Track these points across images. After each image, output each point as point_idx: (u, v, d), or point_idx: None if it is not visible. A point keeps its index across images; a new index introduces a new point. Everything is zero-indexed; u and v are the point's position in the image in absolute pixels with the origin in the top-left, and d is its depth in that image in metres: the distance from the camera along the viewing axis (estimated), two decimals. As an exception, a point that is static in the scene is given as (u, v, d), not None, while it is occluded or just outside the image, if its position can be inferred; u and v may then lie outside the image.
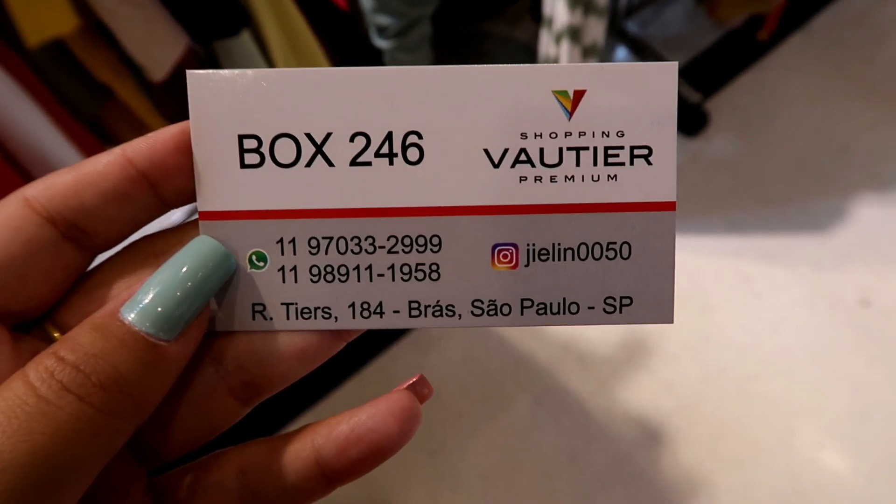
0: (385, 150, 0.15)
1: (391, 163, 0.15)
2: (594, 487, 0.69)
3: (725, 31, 0.92)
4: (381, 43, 0.84)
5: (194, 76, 0.15)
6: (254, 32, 0.53)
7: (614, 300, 0.16)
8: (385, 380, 0.72)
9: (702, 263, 0.76)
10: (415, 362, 0.76)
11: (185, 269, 0.14)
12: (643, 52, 0.94)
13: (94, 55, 0.49)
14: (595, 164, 0.15)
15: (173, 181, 0.15)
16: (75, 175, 0.14)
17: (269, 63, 0.56)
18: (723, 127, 0.84)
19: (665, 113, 0.15)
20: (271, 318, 0.15)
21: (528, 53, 1.02)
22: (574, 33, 0.67)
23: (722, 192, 0.81)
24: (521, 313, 0.16)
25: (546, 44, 0.70)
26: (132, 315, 0.13)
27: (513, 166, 0.15)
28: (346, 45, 0.99)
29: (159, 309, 0.13)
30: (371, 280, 0.15)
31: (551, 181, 0.15)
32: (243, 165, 0.15)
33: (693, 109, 0.84)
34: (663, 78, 0.15)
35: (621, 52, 0.96)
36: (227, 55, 0.51)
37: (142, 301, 0.13)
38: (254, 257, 0.15)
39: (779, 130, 0.86)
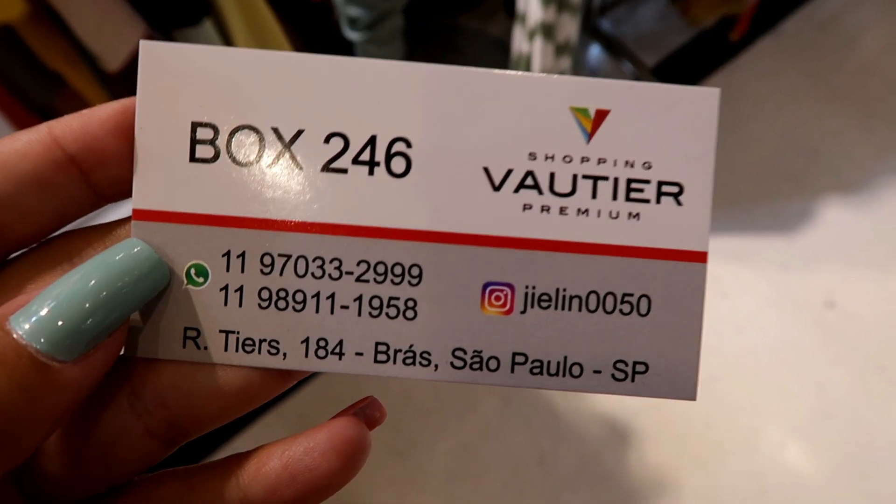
0: (365, 156, 0.13)
1: (371, 172, 0.13)
2: (562, 488, 0.69)
3: (697, 32, 0.93)
4: (352, 35, 0.83)
5: (148, 47, 0.12)
6: (216, 21, 0.52)
7: (626, 365, 0.13)
8: (351, 383, 0.70)
9: (671, 264, 0.77)
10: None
11: (100, 277, 0.11)
12: (616, 50, 0.94)
13: (45, 42, 0.47)
14: (615, 198, 0.13)
15: (109, 169, 0.12)
16: None
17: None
18: (694, 128, 0.84)
19: (702, 147, 0.13)
20: (206, 348, 0.13)
21: (501, 49, 1.01)
22: (547, 30, 0.66)
23: (692, 192, 0.81)
24: (512, 370, 0.13)
25: (519, 40, 0.69)
26: (25, 326, 0.10)
27: (516, 191, 0.13)
28: (316, 36, 0.97)
29: (60, 322, 0.11)
30: (332, 312, 0.13)
31: (561, 213, 0.13)
32: (193, 159, 0.12)
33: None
34: (702, 105, 0.13)
35: (594, 49, 0.96)
36: (188, 45, 0.50)
37: (39, 310, 0.11)
38: (193, 271, 0.13)
39: (747, 133, 0.87)
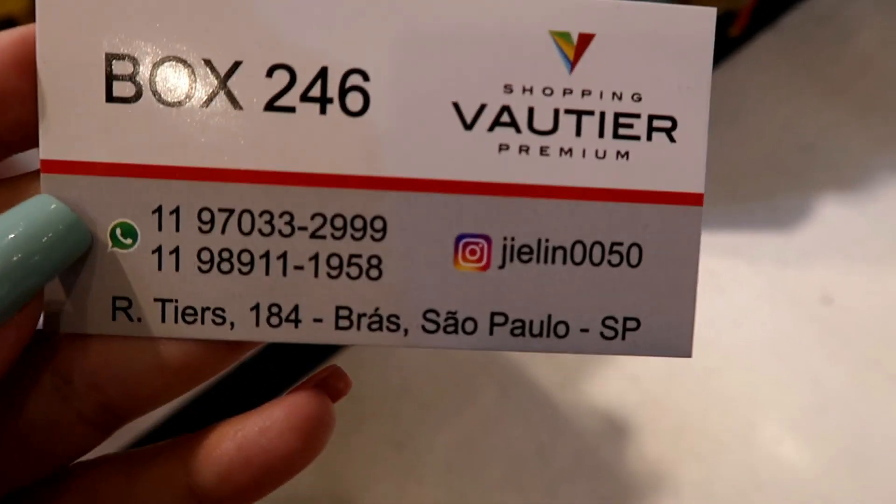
0: (316, 91, 0.11)
1: (323, 110, 0.11)
2: (560, 480, 0.69)
3: (697, 26, 0.93)
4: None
5: None
6: None
7: (616, 322, 0.12)
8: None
9: (669, 258, 0.77)
10: (380, 353, 0.75)
11: (8, 239, 0.10)
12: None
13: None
14: (601, 134, 0.12)
15: (9, 112, 0.11)
16: None
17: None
18: (693, 122, 0.84)
19: (697, 74, 0.12)
20: (139, 320, 0.11)
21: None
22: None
23: (690, 187, 0.81)
24: (490, 332, 0.12)
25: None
26: None
27: (490, 129, 0.12)
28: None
29: None
30: (285, 274, 0.11)
31: (541, 154, 0.12)
32: (111, 98, 0.11)
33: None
34: (698, 28, 0.11)
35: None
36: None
37: None
38: (118, 231, 0.11)
39: (745, 127, 0.87)
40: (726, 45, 0.98)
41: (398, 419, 0.80)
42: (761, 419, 0.70)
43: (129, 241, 0.11)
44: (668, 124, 0.12)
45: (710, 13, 0.11)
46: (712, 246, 0.84)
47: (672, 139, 0.12)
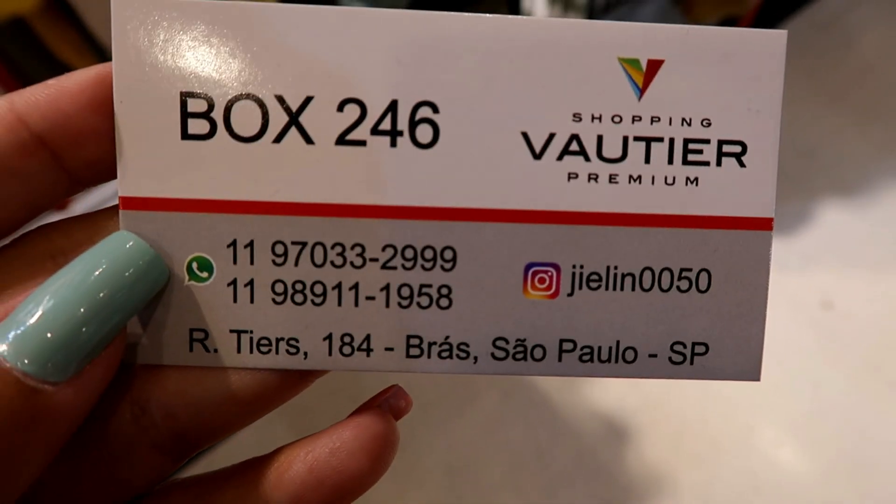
0: (386, 125, 0.11)
1: (393, 143, 0.11)
2: (559, 482, 0.70)
3: (699, 32, 0.93)
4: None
5: (122, 1, 0.10)
6: None
7: (684, 347, 0.12)
8: (351, 374, 0.71)
9: (670, 263, 0.77)
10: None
11: (92, 277, 0.10)
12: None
13: (56, 33, 0.47)
14: (671, 161, 0.11)
15: (85, 150, 0.11)
16: None
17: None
18: (694, 127, 0.85)
19: (768, 98, 0.11)
20: (215, 351, 0.11)
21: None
22: (552, 29, 0.67)
23: (692, 192, 0.82)
24: (559, 359, 0.12)
25: (524, 38, 0.69)
26: (4, 345, 0.09)
27: (560, 158, 0.11)
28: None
29: (49, 335, 0.09)
30: (357, 304, 0.11)
31: (610, 181, 0.11)
32: (186, 136, 0.11)
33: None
34: (769, 50, 0.11)
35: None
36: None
37: (23, 322, 0.09)
38: (195, 265, 0.11)
39: (748, 132, 0.88)
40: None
41: (399, 421, 0.80)
42: (761, 423, 0.71)
43: (204, 274, 0.11)
44: (737, 149, 0.12)
45: (782, 35, 0.11)
46: (713, 251, 0.88)
47: (742, 164, 0.12)
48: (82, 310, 0.09)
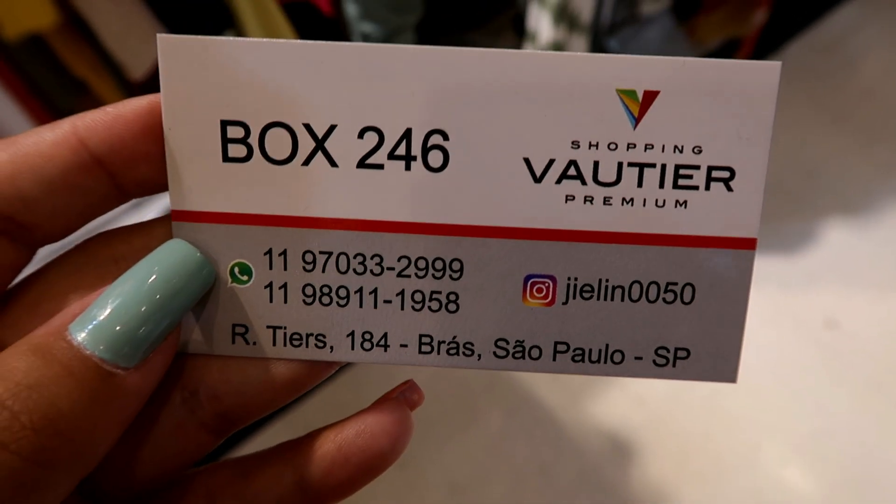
0: (401, 150, 0.12)
1: (408, 167, 0.12)
2: (563, 499, 0.69)
3: (702, 52, 0.94)
4: (364, 50, 0.84)
5: (167, 41, 0.12)
6: (237, 35, 0.53)
7: (667, 351, 0.13)
8: (354, 392, 0.71)
9: (674, 280, 0.77)
10: (386, 371, 0.75)
11: (152, 279, 0.11)
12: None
13: (72, 50, 0.48)
14: (661, 185, 0.12)
15: (137, 170, 0.12)
16: (11, 155, 0.11)
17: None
18: (698, 147, 0.85)
19: (758, 126, 0.12)
20: (255, 343, 0.13)
21: (509, 66, 1.03)
22: (558, 48, 0.68)
23: (695, 210, 0.82)
24: (553, 358, 0.13)
25: (529, 58, 0.70)
26: (83, 335, 0.10)
27: (558, 182, 0.12)
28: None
29: (118, 328, 0.11)
30: (375, 307, 0.13)
31: (605, 203, 0.12)
32: (226, 158, 0.12)
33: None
34: (762, 81, 0.12)
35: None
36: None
37: (97, 317, 0.11)
38: (236, 269, 0.13)
39: (751, 152, 0.88)
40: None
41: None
42: (765, 442, 0.70)
43: (245, 277, 0.13)
44: (726, 174, 0.12)
45: (776, 67, 0.12)
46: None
47: (729, 188, 0.12)
48: (143, 308, 0.11)
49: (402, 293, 0.13)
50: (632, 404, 0.73)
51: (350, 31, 0.84)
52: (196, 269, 0.12)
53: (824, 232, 0.82)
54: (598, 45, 0.92)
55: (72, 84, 0.51)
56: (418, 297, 0.13)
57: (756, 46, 0.89)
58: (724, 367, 0.13)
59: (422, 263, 0.13)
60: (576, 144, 0.12)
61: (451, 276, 0.13)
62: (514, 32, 1.05)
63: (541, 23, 0.67)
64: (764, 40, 0.90)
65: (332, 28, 0.95)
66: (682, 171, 0.12)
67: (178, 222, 0.12)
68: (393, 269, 0.13)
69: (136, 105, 0.12)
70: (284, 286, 0.13)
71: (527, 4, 0.69)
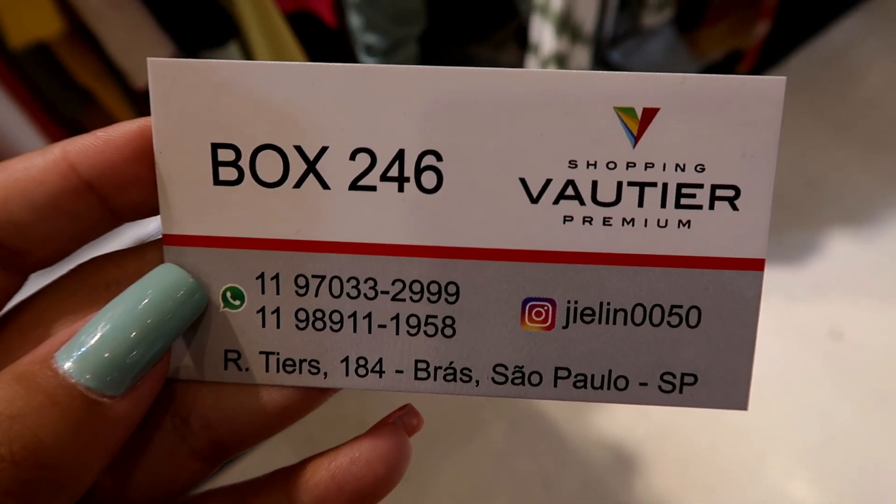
0: (394, 172, 0.12)
1: (401, 189, 0.12)
2: (566, 512, 0.69)
3: (704, 64, 0.95)
4: (367, 61, 0.85)
5: (157, 64, 0.12)
6: (241, 45, 0.53)
7: (673, 377, 0.12)
8: (357, 403, 0.71)
9: (677, 291, 0.77)
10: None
11: (142, 305, 0.11)
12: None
13: (77, 58, 0.49)
14: (663, 205, 0.12)
15: (128, 194, 0.12)
16: (1, 181, 0.11)
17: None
18: (701, 157, 0.85)
19: (764, 143, 0.11)
20: (247, 369, 0.13)
21: (512, 78, 1.03)
22: (560, 60, 0.68)
23: (698, 221, 0.82)
24: (554, 384, 0.12)
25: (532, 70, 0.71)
26: (69, 363, 0.10)
27: (556, 203, 0.12)
28: (332, 61, 0.99)
29: (106, 355, 0.10)
30: (370, 331, 0.12)
31: (604, 224, 0.12)
32: (217, 181, 0.12)
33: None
34: (767, 96, 0.11)
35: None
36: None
37: (84, 344, 0.10)
38: (228, 294, 0.13)
39: (754, 163, 0.88)
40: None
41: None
42: (770, 453, 0.70)
43: (237, 302, 0.13)
44: (731, 193, 0.12)
45: (781, 82, 0.11)
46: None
47: (735, 207, 0.12)
48: (133, 334, 0.11)
49: (396, 317, 0.13)
50: (636, 416, 0.73)
51: (353, 43, 0.85)
52: (187, 294, 0.12)
53: (828, 243, 0.82)
54: (600, 57, 0.93)
55: (77, 93, 0.52)
56: (413, 321, 0.13)
57: (758, 58, 0.90)
58: (733, 394, 0.12)
59: (416, 287, 0.12)
60: (573, 164, 0.12)
61: (446, 299, 0.12)
62: (517, 45, 1.06)
63: (543, 34, 0.67)
64: (766, 52, 0.90)
65: (335, 39, 0.96)
66: (684, 191, 0.12)
67: (170, 246, 0.12)
68: (387, 292, 0.12)
69: (126, 129, 0.12)
70: (277, 311, 0.13)
71: (529, 16, 0.69)
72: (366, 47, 0.83)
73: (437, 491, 0.70)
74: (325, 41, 0.97)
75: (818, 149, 0.91)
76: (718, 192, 0.12)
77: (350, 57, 0.90)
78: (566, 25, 0.65)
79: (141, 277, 0.12)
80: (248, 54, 0.54)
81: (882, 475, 0.67)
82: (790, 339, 0.76)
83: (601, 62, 0.95)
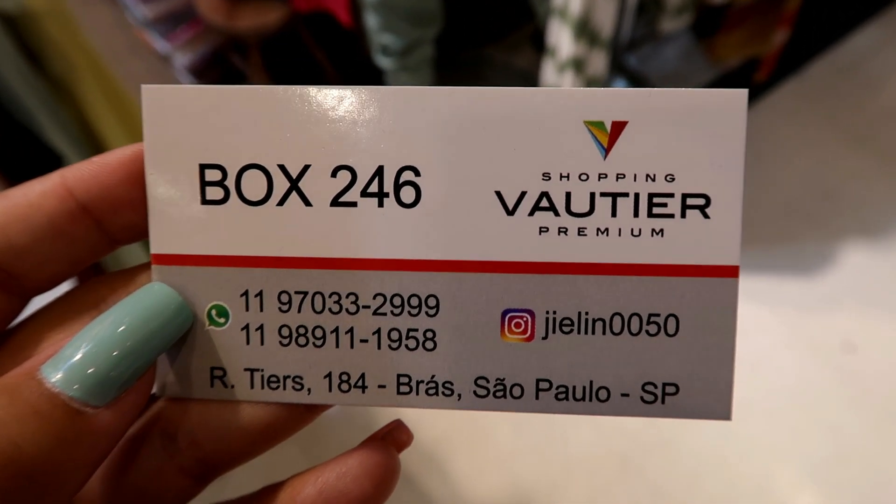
0: (374, 188, 0.12)
1: (381, 204, 0.12)
2: (571, 520, 0.68)
3: (722, 71, 0.94)
4: (383, 62, 0.84)
5: (150, 91, 0.12)
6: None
7: (655, 387, 0.12)
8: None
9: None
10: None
11: (127, 322, 0.11)
12: (640, 83, 0.95)
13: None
14: (636, 214, 0.12)
15: (122, 216, 0.12)
16: (2, 207, 0.12)
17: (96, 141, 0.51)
18: (715, 165, 0.85)
19: (730, 152, 0.12)
20: (232, 386, 0.13)
21: (527, 81, 1.03)
22: (578, 64, 0.67)
23: (712, 229, 0.81)
24: (536, 397, 0.13)
25: (549, 73, 0.70)
26: (54, 374, 0.10)
27: (531, 214, 0.12)
28: (348, 61, 0.99)
29: (91, 369, 0.11)
30: (352, 346, 0.13)
31: (579, 234, 0.12)
32: (204, 201, 0.12)
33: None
34: (729, 109, 0.12)
35: (619, 84, 0.97)
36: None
37: (69, 357, 0.11)
38: (214, 312, 0.13)
39: (768, 172, 0.88)
40: (751, 91, 0.98)
41: (410, 453, 0.79)
42: (780, 467, 0.69)
43: (222, 320, 0.13)
44: (701, 201, 0.12)
45: (742, 95, 0.12)
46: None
47: (706, 215, 0.12)
48: (116, 350, 0.11)
49: (378, 332, 0.13)
50: (644, 424, 0.72)
51: (369, 43, 0.84)
52: (173, 312, 0.12)
53: (843, 254, 0.81)
54: (616, 62, 0.92)
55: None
56: (395, 335, 0.13)
57: (776, 66, 0.89)
58: (716, 404, 0.12)
59: (397, 301, 0.13)
60: (546, 176, 0.12)
61: (427, 312, 0.13)
62: (533, 47, 1.05)
63: (561, 38, 0.67)
64: (784, 60, 0.89)
65: (350, 39, 0.95)
66: (656, 200, 0.12)
67: (158, 265, 0.13)
68: (368, 307, 0.13)
69: (120, 154, 0.12)
70: (261, 328, 0.13)
71: (547, 18, 0.69)
72: (381, 48, 0.82)
73: (442, 496, 0.70)
74: (340, 41, 0.97)
75: (834, 159, 0.91)
76: (689, 201, 0.12)
77: (366, 57, 0.90)
78: (585, 29, 0.65)
79: (131, 295, 0.12)
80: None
81: (892, 490, 0.66)
82: (802, 351, 0.75)
83: (617, 67, 0.95)
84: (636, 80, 0.95)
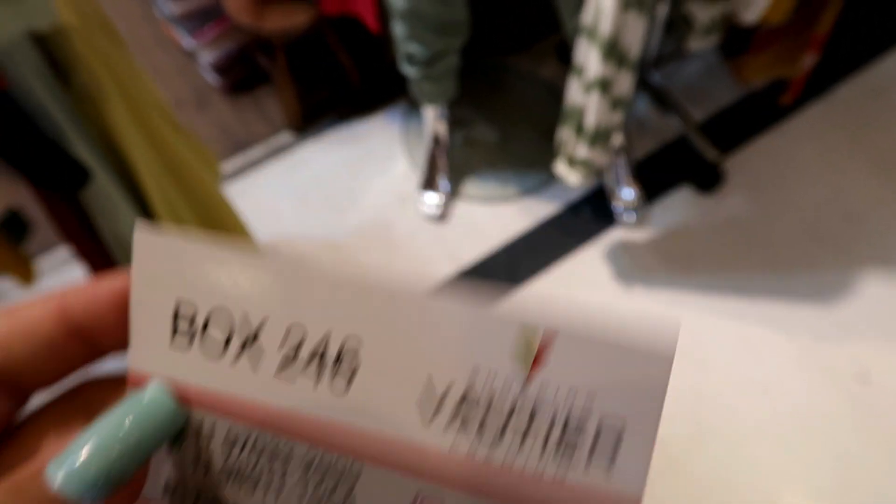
0: (314, 365, 0.13)
1: (319, 379, 0.13)
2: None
3: (746, 91, 0.93)
4: (408, 70, 0.84)
5: (142, 236, 0.14)
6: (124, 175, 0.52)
7: None
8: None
9: (703, 321, 0.76)
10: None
11: (127, 423, 0.13)
12: (665, 103, 0.94)
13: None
14: (544, 450, 0.12)
15: (111, 336, 0.14)
16: (8, 323, 0.14)
17: (143, 203, 0.54)
18: (737, 187, 0.84)
19: (655, 382, 0.12)
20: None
21: (549, 91, 1.02)
22: (604, 85, 0.67)
23: (730, 251, 0.81)
24: None
25: (574, 92, 0.70)
26: (56, 473, 0.12)
27: (445, 430, 0.13)
28: (373, 67, 0.98)
29: (90, 468, 0.12)
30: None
31: (486, 461, 0.13)
32: (175, 332, 0.14)
33: (710, 167, 0.84)
34: (660, 336, 0.12)
35: (641, 102, 0.97)
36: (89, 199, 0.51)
37: (70, 457, 0.12)
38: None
39: (791, 196, 0.87)
40: (776, 113, 0.98)
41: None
42: (786, 491, 0.69)
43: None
44: (618, 424, 0.12)
45: (676, 325, 0.12)
46: (749, 313, 0.80)
47: (619, 440, 0.12)
48: (116, 452, 0.12)
49: (301, 497, 0.14)
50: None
51: (395, 51, 0.84)
52: (170, 413, 0.14)
53: (860, 282, 0.81)
54: (640, 79, 0.91)
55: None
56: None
57: (805, 88, 0.88)
58: None
59: (317, 477, 0.14)
60: (476, 370, 0.13)
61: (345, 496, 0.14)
62: (557, 58, 1.04)
63: (589, 58, 0.66)
64: (813, 82, 0.88)
65: (375, 45, 0.95)
66: (571, 425, 0.12)
67: (132, 384, 0.14)
68: (293, 475, 0.14)
69: (111, 283, 0.14)
70: (209, 460, 0.14)
71: (575, 35, 0.68)
72: (407, 56, 0.82)
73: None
74: (366, 46, 0.96)
75: (857, 183, 0.90)
76: (606, 421, 0.12)
77: (390, 64, 0.89)
78: (613, 50, 0.65)
79: (128, 399, 0.13)
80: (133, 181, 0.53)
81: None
82: (815, 379, 0.75)
83: (641, 83, 0.94)
84: (660, 98, 0.94)
